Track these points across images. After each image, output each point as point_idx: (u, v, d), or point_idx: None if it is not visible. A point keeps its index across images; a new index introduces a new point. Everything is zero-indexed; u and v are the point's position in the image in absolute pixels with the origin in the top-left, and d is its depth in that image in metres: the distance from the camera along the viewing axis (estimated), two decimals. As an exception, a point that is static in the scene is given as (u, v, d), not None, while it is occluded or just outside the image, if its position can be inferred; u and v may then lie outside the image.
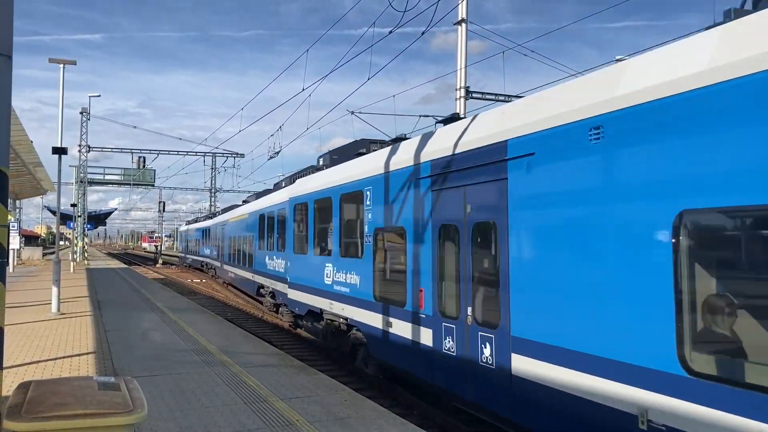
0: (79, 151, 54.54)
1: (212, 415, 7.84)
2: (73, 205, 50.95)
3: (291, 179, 19.83)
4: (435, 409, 10.38)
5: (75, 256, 48.20)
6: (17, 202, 49.33)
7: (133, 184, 64.34)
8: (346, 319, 12.94)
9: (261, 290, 25.05)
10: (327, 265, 13.81)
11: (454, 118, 10.49)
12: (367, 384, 12.67)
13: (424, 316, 9.62)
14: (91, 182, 60.44)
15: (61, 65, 22.56)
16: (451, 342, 8.89)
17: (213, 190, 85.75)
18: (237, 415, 7.86)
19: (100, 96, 47.67)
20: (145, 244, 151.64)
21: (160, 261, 70.76)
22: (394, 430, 7.32)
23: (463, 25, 18.61)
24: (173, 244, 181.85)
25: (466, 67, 18.58)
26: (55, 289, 17.83)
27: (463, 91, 18.66)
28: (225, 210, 43.09)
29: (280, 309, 21.45)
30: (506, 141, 7.82)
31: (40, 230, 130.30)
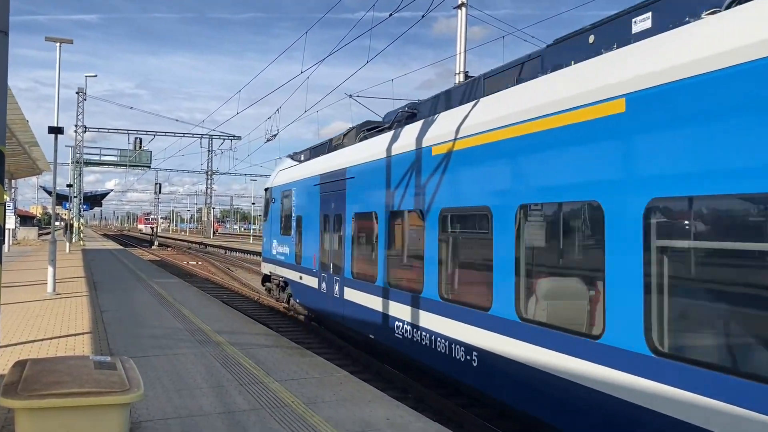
0: (75, 131, 54.32)
1: (207, 395, 7.87)
2: (69, 186, 50.83)
3: None
4: (430, 392, 10.44)
5: (71, 237, 48.10)
6: (13, 181, 49.15)
7: (130, 166, 64.24)
8: None
9: None
10: None
11: None
12: (363, 367, 12.74)
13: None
14: (88, 163, 60.31)
15: (58, 44, 22.39)
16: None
17: (210, 173, 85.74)
18: (232, 395, 7.89)
19: (96, 76, 47.34)
20: (141, 226, 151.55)
21: (156, 243, 70.68)
22: (389, 413, 7.36)
23: (463, 9, 18.50)
24: (169, 225, 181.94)
25: (465, 51, 18.49)
26: (51, 269, 17.82)
27: (462, 75, 18.58)
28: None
29: None
30: None
31: (36, 210, 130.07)
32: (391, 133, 11.59)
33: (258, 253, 49.69)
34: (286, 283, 17.88)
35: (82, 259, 33.46)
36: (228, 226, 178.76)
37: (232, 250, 59.31)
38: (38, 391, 4.51)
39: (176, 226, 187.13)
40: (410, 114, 12.04)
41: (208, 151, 79.62)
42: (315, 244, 15.04)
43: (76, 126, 54.30)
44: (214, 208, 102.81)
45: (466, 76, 18.26)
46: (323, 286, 14.36)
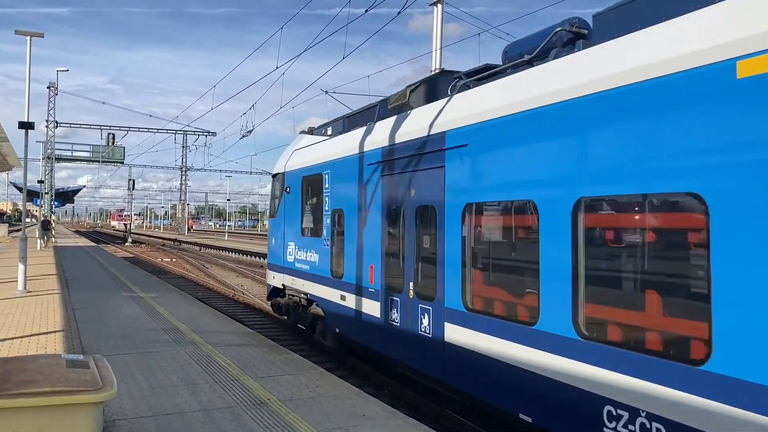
0: (47, 126, 53.43)
1: (182, 393, 7.82)
2: (41, 182, 49.99)
3: None
4: (405, 388, 10.49)
5: (47, 235, 47.29)
6: (-18, 177, 48.24)
7: (102, 162, 63.39)
8: None
9: None
10: None
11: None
12: (339, 363, 12.74)
13: None
14: (59, 159, 59.36)
15: (28, 37, 21.96)
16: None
17: (184, 169, 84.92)
18: (207, 393, 7.85)
19: (68, 70, 46.46)
20: (114, 223, 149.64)
21: (130, 240, 69.86)
22: (365, 409, 7.38)
23: (439, 5, 18.55)
24: (143, 222, 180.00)
25: (441, 48, 18.54)
26: (21, 267, 17.54)
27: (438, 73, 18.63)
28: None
29: None
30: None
31: (6, 207, 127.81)
32: (547, 67, 7.00)
33: (236, 251, 49.37)
34: (311, 301, 13.34)
35: (54, 256, 32.94)
36: (203, 222, 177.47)
37: (207, 247, 58.83)
38: (9, 390, 4.44)
39: (150, 222, 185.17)
40: (574, 35, 7.46)
41: (183, 147, 78.92)
42: (373, 251, 10.41)
43: (47, 121, 53.44)
44: (188, 204, 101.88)
45: (442, 73, 18.26)
46: (394, 315, 9.75)
